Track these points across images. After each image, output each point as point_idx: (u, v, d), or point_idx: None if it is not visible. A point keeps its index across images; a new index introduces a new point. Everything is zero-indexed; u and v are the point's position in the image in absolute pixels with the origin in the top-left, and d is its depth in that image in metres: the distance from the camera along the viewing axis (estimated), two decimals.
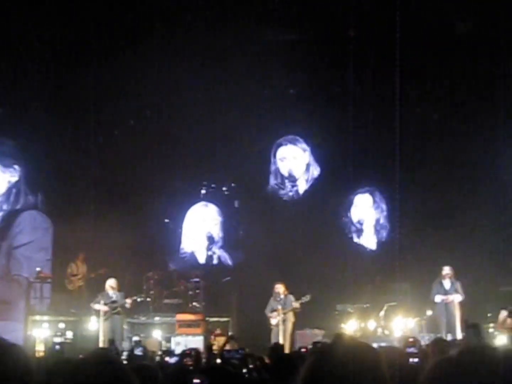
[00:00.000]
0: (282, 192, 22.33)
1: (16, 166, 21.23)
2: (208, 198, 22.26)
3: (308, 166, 22.32)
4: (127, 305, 17.84)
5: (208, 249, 21.82)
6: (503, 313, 17.01)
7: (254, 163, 21.86)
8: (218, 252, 21.97)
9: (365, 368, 2.41)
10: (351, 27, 20.46)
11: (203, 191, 22.23)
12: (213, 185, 22.25)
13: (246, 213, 22.02)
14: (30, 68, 20.44)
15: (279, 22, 20.57)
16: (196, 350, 10.90)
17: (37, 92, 20.69)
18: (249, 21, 20.41)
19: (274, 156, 22.35)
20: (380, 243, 21.77)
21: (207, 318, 19.18)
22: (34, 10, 19.56)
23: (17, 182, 21.29)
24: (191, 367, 8.68)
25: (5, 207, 21.30)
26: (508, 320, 16.86)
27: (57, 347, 15.02)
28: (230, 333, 18.45)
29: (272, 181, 22.32)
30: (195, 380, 5.72)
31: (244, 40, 20.63)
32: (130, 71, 20.21)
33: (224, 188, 22.27)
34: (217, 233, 22.10)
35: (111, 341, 15.81)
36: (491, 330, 16.95)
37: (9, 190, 21.32)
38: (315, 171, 22.26)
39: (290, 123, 21.72)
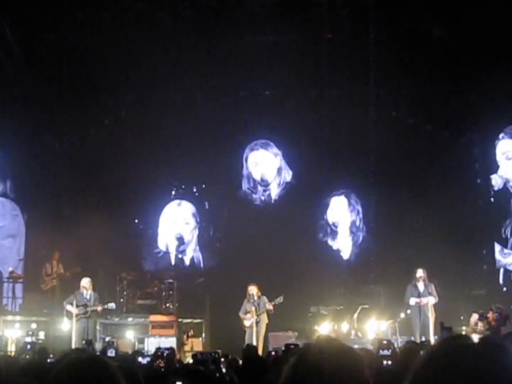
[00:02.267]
0: (254, 196, 22.33)
1: None
2: (180, 197, 22.22)
3: (280, 170, 22.33)
4: (98, 311, 17.72)
5: (178, 250, 21.75)
6: (475, 316, 17.12)
7: (226, 165, 21.86)
8: (191, 253, 21.91)
9: (348, 369, 2.40)
10: (327, 30, 20.49)
11: (173, 192, 22.18)
12: (183, 186, 22.22)
13: (217, 215, 22.00)
14: (4, 57, 20.33)
15: (256, 24, 20.56)
16: (171, 349, 10.86)
17: (11, 80, 20.57)
18: (226, 22, 20.40)
19: (246, 161, 22.34)
20: (355, 246, 21.82)
21: (180, 320, 19.14)
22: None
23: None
24: (162, 369, 8.65)
25: None
26: (479, 323, 16.97)
27: (28, 347, 14.93)
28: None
29: (245, 185, 22.31)
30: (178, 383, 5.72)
31: (221, 42, 20.61)
32: (106, 71, 20.15)
33: (194, 190, 22.23)
34: (188, 234, 22.03)
35: (89, 342, 15.68)
36: (463, 333, 17.02)
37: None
38: (287, 175, 22.28)
39: (265, 125, 21.73)
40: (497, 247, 20.80)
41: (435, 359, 1.96)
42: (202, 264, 21.80)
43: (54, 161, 21.18)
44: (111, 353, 11.16)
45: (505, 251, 20.75)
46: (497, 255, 20.81)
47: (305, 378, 2.39)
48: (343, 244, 21.89)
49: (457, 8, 19.36)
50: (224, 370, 9.06)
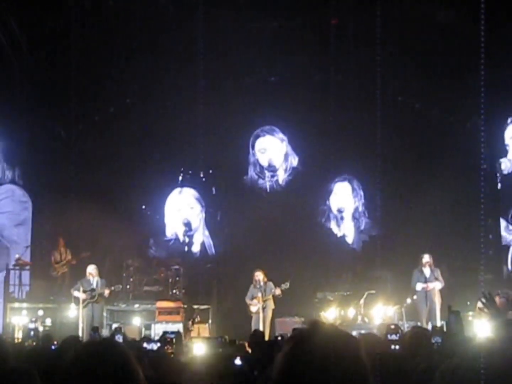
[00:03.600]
0: (261, 181, 22.30)
1: None
2: (185, 184, 22.19)
3: (286, 155, 22.30)
4: (105, 295, 17.77)
5: (186, 235, 21.68)
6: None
7: (233, 151, 21.84)
8: (201, 239, 21.86)
9: (344, 354, 2.38)
10: (333, 15, 20.40)
11: (180, 177, 22.15)
12: (190, 171, 22.18)
13: (224, 200, 21.98)
14: (9, 46, 20.35)
15: (261, 9, 20.48)
16: (178, 333, 10.87)
17: (17, 69, 20.58)
18: (230, 9, 20.34)
19: (253, 148, 22.29)
20: (357, 232, 21.81)
21: (186, 305, 19.15)
22: None
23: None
24: (172, 354, 8.66)
25: None
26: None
27: (32, 333, 14.99)
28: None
29: (251, 171, 22.27)
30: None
31: (225, 28, 20.54)
32: (112, 60, 20.12)
33: (201, 175, 22.21)
34: (195, 219, 21.99)
35: (95, 328, 15.71)
36: (470, 318, 17.02)
37: None
38: (294, 160, 22.25)
39: (271, 111, 21.67)
40: (503, 223, 20.78)
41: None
42: (213, 249, 21.74)
43: (61, 149, 21.17)
44: (118, 339, 11.17)
45: (511, 227, 20.75)
46: (503, 232, 20.80)
47: (299, 363, 2.37)
48: (348, 230, 21.88)
49: None
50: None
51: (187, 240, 21.46)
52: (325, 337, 2.41)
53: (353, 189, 22.01)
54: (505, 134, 20.91)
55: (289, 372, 2.39)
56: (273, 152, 22.30)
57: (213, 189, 22.10)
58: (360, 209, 21.98)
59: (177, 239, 21.87)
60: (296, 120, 21.42)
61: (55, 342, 11.21)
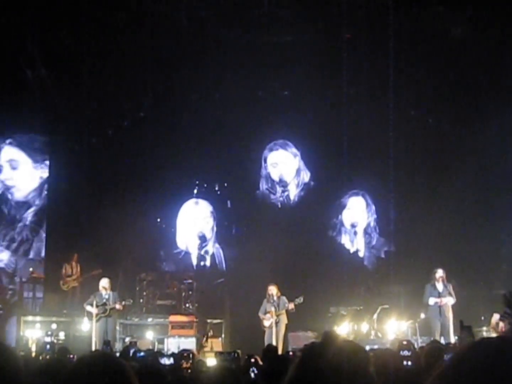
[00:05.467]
0: (273, 197, 22.31)
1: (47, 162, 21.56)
2: (199, 196, 22.23)
3: (298, 171, 22.30)
4: (118, 308, 17.79)
5: (200, 248, 21.70)
6: (496, 317, 17.00)
7: (245, 165, 21.88)
8: (212, 250, 21.86)
9: (353, 366, 2.39)
10: (346, 29, 20.45)
11: (195, 190, 22.18)
12: (205, 185, 22.22)
13: (238, 214, 22.00)
14: (26, 66, 20.52)
15: (274, 23, 20.56)
16: (191, 351, 10.90)
17: (32, 85, 20.73)
18: (243, 22, 20.42)
19: (265, 161, 22.32)
20: (367, 247, 21.79)
21: (198, 320, 19.15)
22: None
23: (47, 177, 21.52)
24: (189, 370, 8.66)
25: (37, 202, 21.38)
26: (501, 323, 16.86)
27: (48, 347, 15.03)
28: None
29: (263, 185, 22.29)
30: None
31: (238, 42, 20.62)
32: (124, 73, 20.20)
33: (216, 188, 22.25)
34: (209, 232, 22.01)
35: (107, 342, 15.76)
36: (484, 333, 16.96)
37: (41, 186, 21.44)
38: (306, 176, 22.25)
39: (283, 125, 21.71)
40: None
41: (465, 362, 1.93)
42: (223, 264, 21.74)
43: (74, 163, 21.24)
44: (132, 353, 11.20)
45: None
46: None
47: (308, 375, 2.39)
48: (360, 245, 21.86)
49: (477, 7, 19.28)
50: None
51: (202, 252, 21.51)
52: (335, 349, 2.42)
53: (367, 204, 22.00)
54: None
55: (299, 381, 2.42)
56: (285, 167, 22.31)
57: (228, 202, 22.11)
58: (372, 224, 21.96)
59: (187, 252, 21.90)
60: (309, 134, 21.45)
61: (72, 356, 11.24)
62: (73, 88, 20.56)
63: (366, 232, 21.91)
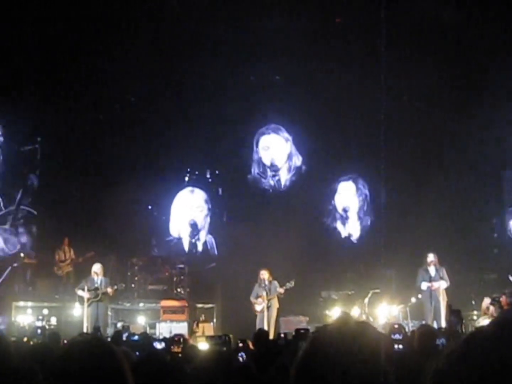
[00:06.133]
0: (264, 181, 22.29)
1: None
2: (192, 184, 22.20)
3: (290, 155, 22.27)
4: (109, 294, 17.79)
5: (192, 236, 21.70)
6: (486, 301, 17.08)
7: (237, 151, 21.84)
8: (204, 238, 21.87)
9: (362, 353, 2.35)
10: (337, 14, 20.40)
11: (186, 178, 22.15)
12: (196, 172, 22.19)
13: (229, 200, 21.99)
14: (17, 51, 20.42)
15: (266, 8, 20.48)
16: (183, 336, 10.91)
17: (24, 68, 20.65)
18: (235, 8, 20.33)
19: (257, 145, 22.30)
20: (363, 230, 21.80)
21: (191, 305, 19.18)
22: None
23: None
24: (179, 354, 8.67)
25: None
26: (491, 307, 16.93)
27: (39, 331, 15.03)
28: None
29: (254, 170, 22.27)
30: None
31: (230, 27, 20.55)
32: (116, 57, 20.12)
33: (207, 176, 22.22)
34: (201, 221, 21.99)
35: (97, 328, 15.77)
36: (474, 317, 17.04)
37: None
38: (297, 160, 22.23)
39: (275, 110, 21.67)
40: None
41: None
42: (215, 250, 21.74)
43: (65, 147, 21.18)
44: (125, 337, 11.22)
45: None
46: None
47: (318, 362, 2.36)
48: (353, 229, 21.87)
49: None
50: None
51: (193, 241, 21.51)
52: (344, 333, 2.38)
53: (358, 188, 22.00)
54: None
55: (308, 363, 2.39)
56: (276, 151, 22.28)
57: (219, 190, 22.10)
58: (366, 208, 21.96)
59: (179, 239, 21.89)
60: (301, 119, 21.41)
61: (64, 341, 11.23)
62: (63, 72, 20.48)
63: (359, 216, 21.92)
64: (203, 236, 21.89)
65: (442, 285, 17.22)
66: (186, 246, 21.84)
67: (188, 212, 22.00)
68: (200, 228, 21.88)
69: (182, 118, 21.17)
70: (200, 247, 21.79)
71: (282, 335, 11.95)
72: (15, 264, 20.47)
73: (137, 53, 20.47)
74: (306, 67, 20.80)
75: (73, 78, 20.57)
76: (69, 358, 2.72)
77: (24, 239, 21.16)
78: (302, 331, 11.97)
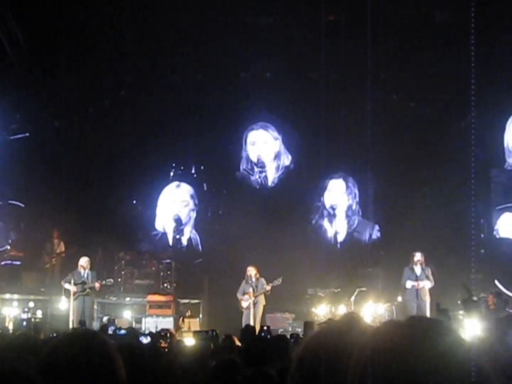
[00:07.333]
0: (252, 177, 22.27)
1: None
2: (179, 179, 22.16)
3: (278, 154, 22.25)
4: (96, 288, 17.76)
5: (176, 231, 21.65)
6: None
7: (225, 147, 21.83)
8: (188, 235, 21.85)
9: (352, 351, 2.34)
10: (327, 11, 20.38)
11: (171, 173, 22.11)
12: (182, 167, 22.15)
13: (215, 196, 21.97)
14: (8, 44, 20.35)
15: (256, 5, 20.46)
16: (169, 331, 10.90)
17: (12, 60, 20.56)
18: (226, 4, 20.28)
19: (245, 142, 22.29)
20: (350, 229, 21.80)
21: (178, 300, 19.17)
22: None
23: None
24: (166, 349, 8.66)
25: None
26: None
27: (24, 323, 14.98)
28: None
29: (242, 166, 22.26)
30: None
31: (220, 23, 20.51)
32: (106, 51, 20.07)
33: (192, 171, 22.18)
34: (186, 216, 21.96)
35: (83, 322, 15.74)
36: (460, 317, 17.08)
37: None
38: (286, 160, 22.21)
39: (265, 107, 21.66)
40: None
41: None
42: (200, 246, 21.74)
43: (53, 140, 21.12)
44: (111, 331, 11.19)
45: None
46: None
47: (315, 359, 2.36)
48: (340, 227, 21.87)
49: None
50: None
51: (177, 236, 21.48)
52: (358, 332, 2.36)
53: (347, 187, 21.99)
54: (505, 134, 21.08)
55: (305, 357, 2.39)
56: (263, 147, 22.26)
57: (204, 185, 22.08)
58: (354, 207, 21.96)
59: (164, 233, 21.87)
60: (290, 117, 21.42)
61: (50, 335, 11.21)
62: (53, 66, 20.41)
63: (347, 214, 21.92)
64: (188, 231, 21.86)
65: (426, 284, 17.28)
66: (170, 241, 21.81)
67: (172, 206, 21.97)
68: (184, 223, 21.84)
69: (170, 112, 21.13)
70: (184, 242, 21.77)
71: (266, 327, 11.93)
72: (3, 263, 20.41)
73: (126, 48, 20.45)
74: (296, 64, 20.80)
75: (62, 72, 20.48)
76: (61, 351, 2.71)
77: (12, 234, 21.08)
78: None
